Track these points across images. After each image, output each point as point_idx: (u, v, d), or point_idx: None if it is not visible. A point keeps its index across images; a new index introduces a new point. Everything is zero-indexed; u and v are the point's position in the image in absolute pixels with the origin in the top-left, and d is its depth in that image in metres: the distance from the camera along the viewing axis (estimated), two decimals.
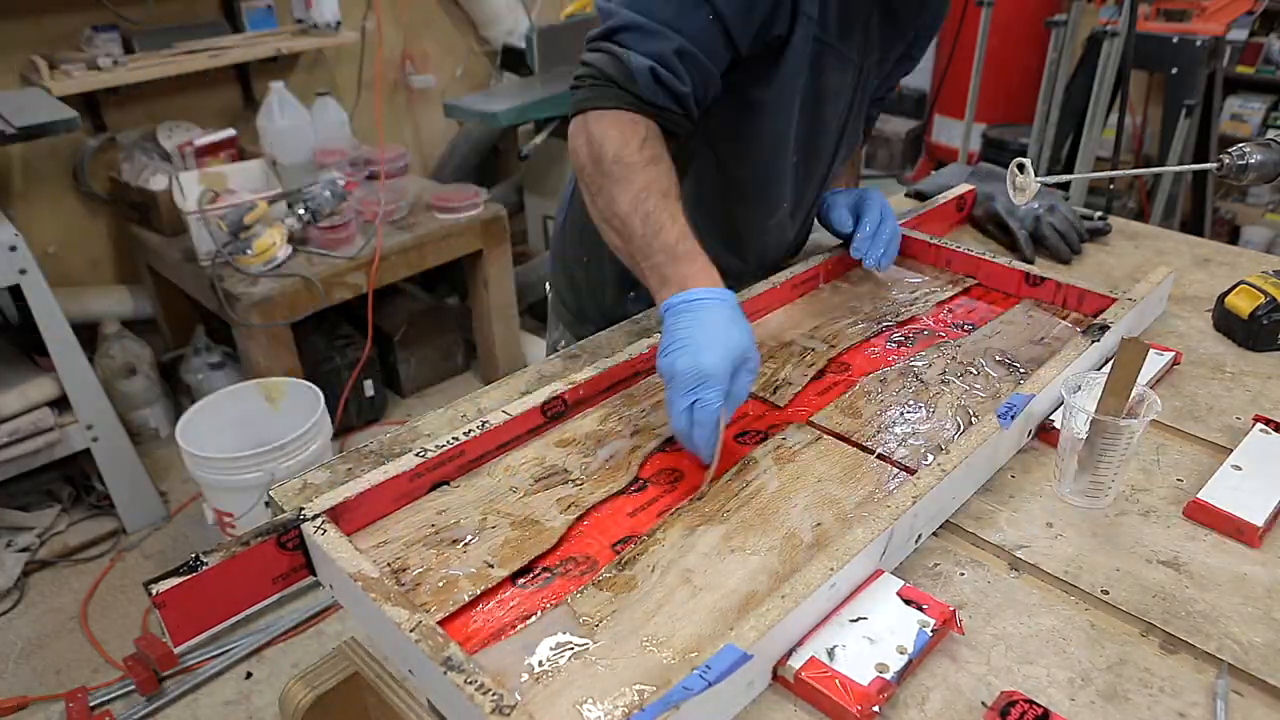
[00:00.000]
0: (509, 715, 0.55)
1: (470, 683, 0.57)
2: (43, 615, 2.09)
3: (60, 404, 2.15)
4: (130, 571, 2.21)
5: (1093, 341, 0.94)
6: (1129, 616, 0.69)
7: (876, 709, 0.60)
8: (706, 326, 0.81)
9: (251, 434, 2.15)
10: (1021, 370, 0.99)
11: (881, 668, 0.62)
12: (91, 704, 1.82)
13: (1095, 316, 1.02)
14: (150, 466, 2.40)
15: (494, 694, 0.56)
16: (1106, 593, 0.71)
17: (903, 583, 0.70)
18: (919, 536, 0.76)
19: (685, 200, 0.97)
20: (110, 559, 2.25)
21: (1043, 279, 1.12)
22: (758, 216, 1.15)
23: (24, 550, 2.21)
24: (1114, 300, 1.04)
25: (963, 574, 0.74)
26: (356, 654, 0.83)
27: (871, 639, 0.65)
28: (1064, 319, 1.09)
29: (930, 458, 0.84)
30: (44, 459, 2.15)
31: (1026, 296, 1.14)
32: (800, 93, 1.02)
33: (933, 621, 0.66)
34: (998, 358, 1.01)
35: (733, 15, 0.90)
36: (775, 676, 0.64)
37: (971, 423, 0.89)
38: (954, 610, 0.67)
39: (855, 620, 0.66)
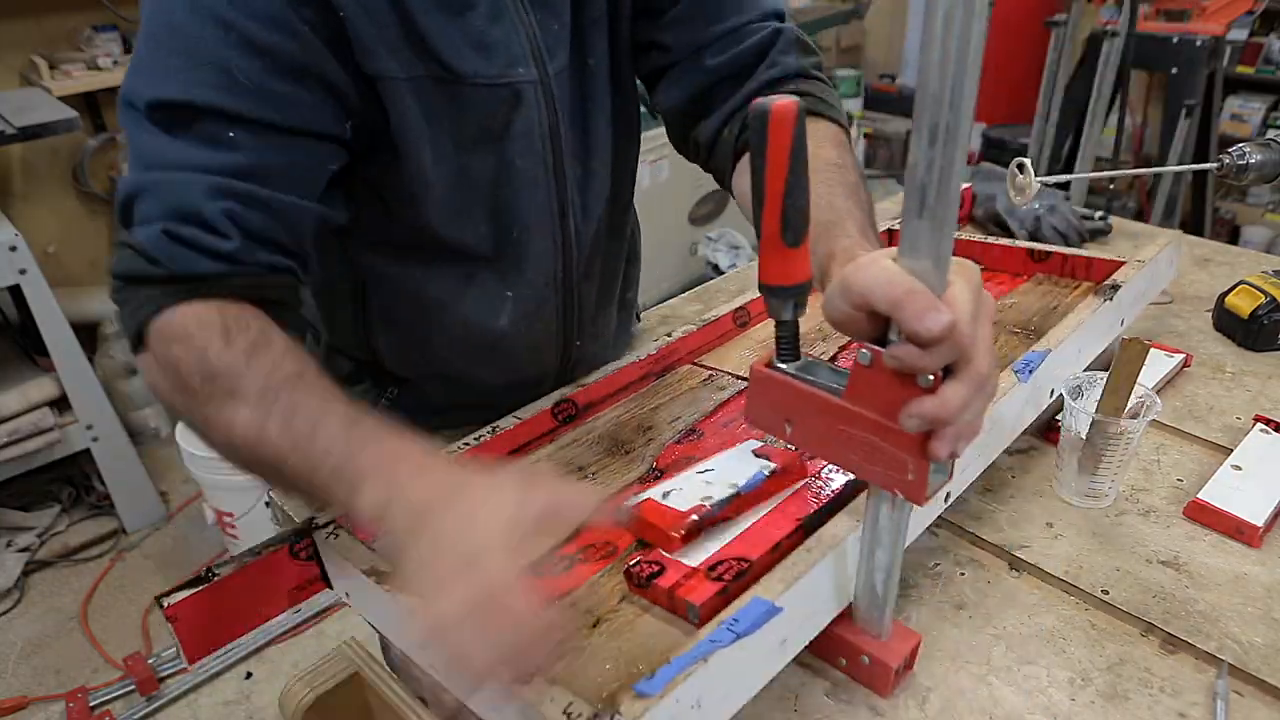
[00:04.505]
0: (529, 682, 0.53)
1: None
2: (43, 615, 2.09)
3: (60, 404, 2.15)
4: (130, 571, 2.21)
5: (1105, 300, 0.93)
6: (1129, 616, 0.69)
7: (683, 531, 0.64)
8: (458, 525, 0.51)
9: None
10: (1036, 336, 0.98)
11: (706, 498, 0.66)
12: (91, 704, 1.82)
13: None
14: (150, 466, 2.40)
15: None
16: (1106, 593, 0.71)
17: (761, 444, 0.73)
18: (947, 495, 0.74)
19: (396, 337, 0.82)
20: (110, 559, 2.25)
21: (1048, 253, 1.12)
22: (505, 318, 0.86)
23: (24, 550, 2.21)
24: (1123, 263, 1.02)
25: (963, 574, 0.74)
26: (356, 654, 0.83)
27: (709, 482, 0.68)
28: (1075, 289, 1.09)
29: None
30: (44, 459, 2.15)
31: (1034, 273, 1.14)
32: (444, 163, 0.74)
33: (774, 465, 0.69)
34: (1011, 328, 1.01)
35: (276, 114, 0.64)
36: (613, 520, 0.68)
37: None
38: (801, 455, 0.71)
39: (702, 472, 0.70)
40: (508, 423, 0.85)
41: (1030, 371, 0.81)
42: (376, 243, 0.81)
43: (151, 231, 0.61)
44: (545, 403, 0.88)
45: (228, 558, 0.68)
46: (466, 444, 0.82)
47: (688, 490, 0.68)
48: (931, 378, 0.47)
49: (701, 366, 1.00)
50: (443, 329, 0.87)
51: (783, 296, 0.55)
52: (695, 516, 0.66)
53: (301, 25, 0.64)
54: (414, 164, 0.73)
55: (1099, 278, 1.07)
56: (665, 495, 0.68)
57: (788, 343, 0.57)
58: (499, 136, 0.76)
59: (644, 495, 0.69)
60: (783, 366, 0.58)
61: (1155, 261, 1.03)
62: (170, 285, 0.62)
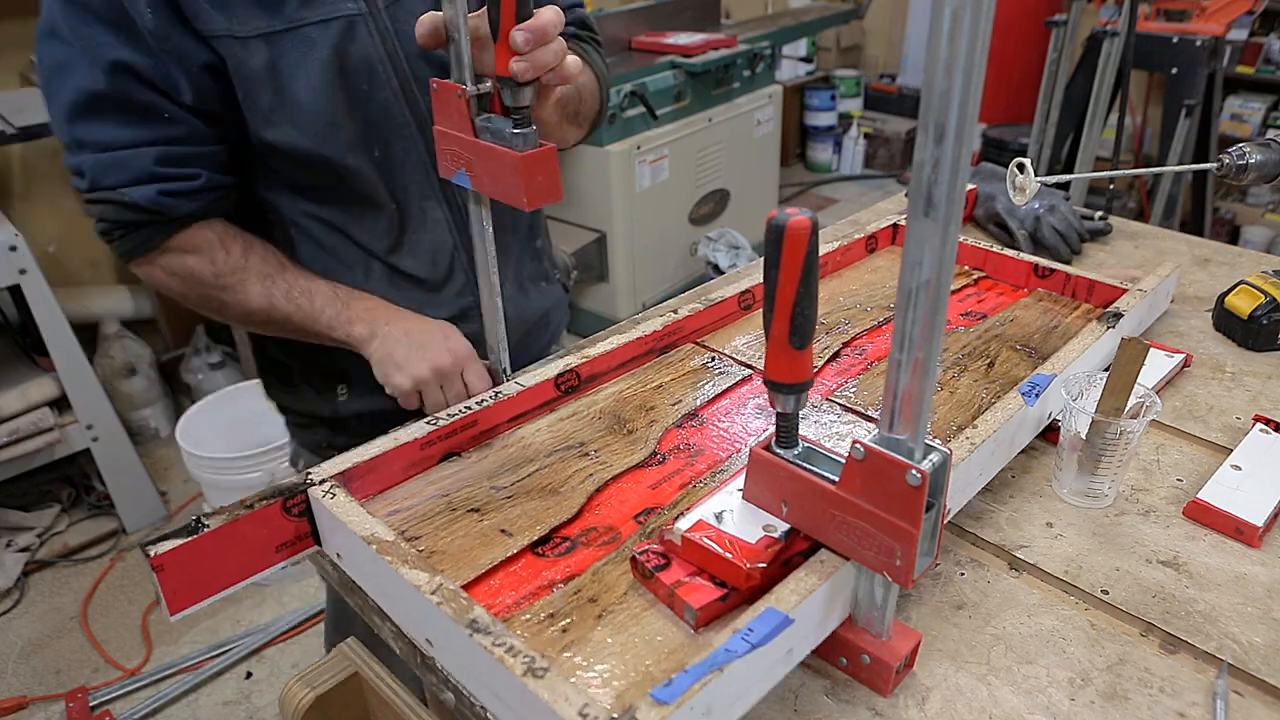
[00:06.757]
0: (543, 677, 0.52)
1: (499, 644, 0.54)
2: (43, 615, 2.09)
3: (60, 404, 2.15)
4: (130, 571, 2.21)
5: (1108, 328, 0.94)
6: (1129, 616, 0.69)
7: (763, 565, 0.61)
8: (417, 329, 0.93)
9: (251, 434, 2.15)
10: (1037, 355, 0.99)
11: (769, 528, 0.64)
12: (91, 704, 1.82)
13: (1105, 308, 1.02)
14: (150, 466, 2.40)
15: (526, 656, 0.53)
16: (1106, 593, 0.71)
17: None
18: (948, 513, 0.75)
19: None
20: (110, 559, 2.25)
21: (1052, 270, 1.12)
22: (407, 237, 1.01)
23: (24, 550, 2.21)
24: (1124, 291, 1.03)
25: (963, 574, 0.74)
26: (356, 654, 0.83)
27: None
28: (1075, 310, 1.09)
29: (958, 434, 0.84)
30: (44, 459, 2.15)
31: (1035, 288, 1.15)
32: (302, 99, 0.89)
33: None
34: (1012, 344, 1.02)
35: (180, 89, 0.85)
36: (662, 541, 0.65)
37: (993, 403, 0.89)
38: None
39: (742, 489, 0.68)
40: (511, 389, 0.85)
41: (1037, 395, 0.82)
42: (271, 181, 0.97)
43: (147, 194, 0.86)
44: (549, 370, 0.88)
45: (218, 508, 0.67)
46: (468, 408, 0.81)
47: (739, 513, 0.65)
48: (919, 474, 0.52)
49: (704, 347, 1.01)
50: (353, 257, 1.01)
51: (787, 392, 0.59)
52: (772, 550, 0.62)
53: (145, 10, 0.83)
54: (266, 105, 0.89)
55: (1100, 302, 1.08)
56: (718, 518, 0.65)
57: (787, 432, 0.62)
58: (340, 69, 0.89)
59: (693, 517, 0.65)
60: (781, 452, 0.62)
61: (1155, 292, 1.04)
62: (171, 225, 0.90)
